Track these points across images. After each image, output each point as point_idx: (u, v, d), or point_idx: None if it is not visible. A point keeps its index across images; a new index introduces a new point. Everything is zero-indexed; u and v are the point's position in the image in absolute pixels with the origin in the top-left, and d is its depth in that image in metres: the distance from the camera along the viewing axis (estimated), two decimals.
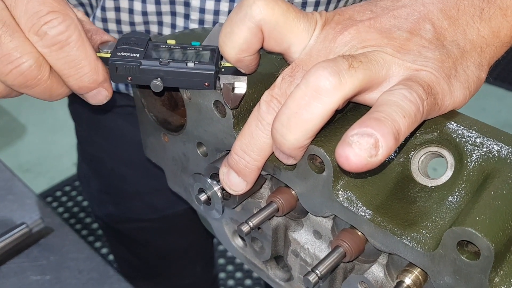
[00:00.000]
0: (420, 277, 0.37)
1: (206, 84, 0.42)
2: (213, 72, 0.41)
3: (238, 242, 0.52)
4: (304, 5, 0.63)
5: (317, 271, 0.37)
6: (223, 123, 0.44)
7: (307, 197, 0.40)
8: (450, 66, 0.38)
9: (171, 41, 0.44)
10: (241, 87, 0.41)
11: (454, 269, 0.33)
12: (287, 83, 0.38)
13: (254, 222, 0.42)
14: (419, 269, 0.36)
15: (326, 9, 0.65)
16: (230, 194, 0.44)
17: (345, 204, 0.37)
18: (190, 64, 0.42)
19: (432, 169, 0.39)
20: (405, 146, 0.40)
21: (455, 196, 0.37)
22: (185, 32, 0.52)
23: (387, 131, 0.31)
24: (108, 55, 0.43)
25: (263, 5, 0.37)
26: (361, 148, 0.31)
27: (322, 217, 0.43)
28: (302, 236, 0.45)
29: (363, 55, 0.36)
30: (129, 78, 0.42)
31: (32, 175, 2.29)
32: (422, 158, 0.40)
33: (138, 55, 0.42)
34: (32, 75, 0.39)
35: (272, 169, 0.42)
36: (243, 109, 0.43)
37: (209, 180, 0.44)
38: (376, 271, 0.40)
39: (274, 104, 0.38)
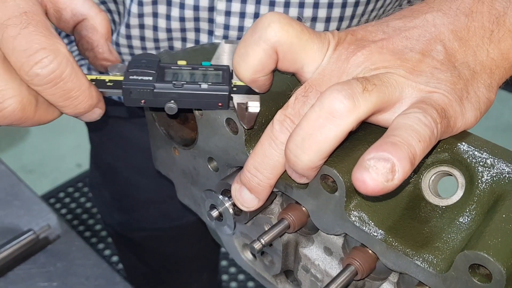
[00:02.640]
0: None
1: (220, 104, 0.42)
2: (227, 93, 0.42)
3: (248, 255, 0.53)
4: (314, 19, 0.63)
5: None
6: (235, 140, 0.44)
7: (319, 215, 0.41)
8: (461, 88, 0.38)
9: (181, 62, 0.44)
10: (254, 106, 0.42)
11: None
12: (300, 103, 0.38)
13: (266, 239, 0.42)
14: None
15: (338, 27, 0.65)
16: (241, 210, 0.44)
17: (357, 224, 0.38)
18: (204, 86, 0.42)
19: (443, 189, 0.40)
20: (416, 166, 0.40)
21: (466, 217, 0.37)
22: (194, 48, 0.52)
23: (403, 155, 0.32)
24: (119, 78, 0.42)
25: (278, 28, 0.37)
26: (378, 172, 0.32)
27: (334, 235, 0.43)
28: (313, 252, 0.46)
29: (377, 78, 0.36)
30: (143, 101, 0.42)
31: (35, 176, 2.29)
32: (433, 177, 0.40)
33: (151, 78, 0.41)
34: (16, 118, 0.38)
35: (283, 187, 0.42)
36: (255, 126, 0.43)
37: (220, 196, 0.45)
38: None
39: (288, 123, 0.38)
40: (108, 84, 0.42)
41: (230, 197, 0.44)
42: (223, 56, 0.47)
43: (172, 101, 0.42)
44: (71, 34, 0.46)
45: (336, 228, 0.40)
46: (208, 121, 0.46)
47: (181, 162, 0.53)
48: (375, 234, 0.37)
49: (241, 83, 0.43)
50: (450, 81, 0.37)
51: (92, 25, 0.45)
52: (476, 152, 0.38)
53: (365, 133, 0.41)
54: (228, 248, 0.55)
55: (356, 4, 0.64)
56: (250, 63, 0.38)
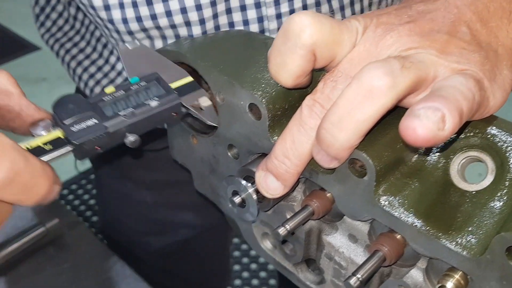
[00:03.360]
0: (461, 281, 0.36)
1: (175, 114, 0.39)
2: (179, 100, 0.39)
3: (267, 244, 0.52)
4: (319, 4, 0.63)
5: (358, 275, 0.37)
6: (258, 126, 0.44)
7: (346, 201, 0.40)
8: (489, 68, 0.38)
9: (110, 90, 0.40)
10: (205, 100, 0.40)
11: (502, 274, 0.33)
12: (329, 87, 0.38)
13: (291, 225, 0.41)
14: (460, 273, 0.36)
15: (352, 12, 0.65)
16: (264, 197, 0.43)
17: (387, 209, 0.37)
18: (154, 103, 0.39)
19: (470, 174, 0.39)
20: (445, 151, 0.40)
21: (498, 202, 0.37)
22: (215, 34, 0.51)
23: (453, 107, 0.32)
24: (54, 136, 0.36)
25: (312, 30, 0.36)
26: (429, 120, 0.31)
27: (360, 221, 0.43)
28: (337, 240, 0.45)
29: (411, 57, 0.36)
30: (98, 148, 0.37)
31: None
32: (462, 162, 0.39)
33: (96, 121, 0.37)
34: None
35: (308, 173, 0.41)
36: (278, 112, 0.43)
37: (244, 182, 0.44)
38: (415, 275, 0.40)
39: (317, 108, 0.38)
40: (47, 147, 0.36)
41: (253, 183, 0.44)
42: (135, 62, 0.44)
43: (128, 133, 0.38)
44: None
45: (364, 214, 0.39)
46: (230, 107, 0.45)
47: (199, 150, 0.52)
48: (406, 218, 0.36)
49: (178, 85, 0.41)
50: (479, 62, 0.37)
51: (4, 90, 0.38)
52: (507, 136, 0.38)
53: (394, 118, 0.40)
54: (247, 238, 0.54)
55: None
56: (290, 71, 0.38)
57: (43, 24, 0.80)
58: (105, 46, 0.75)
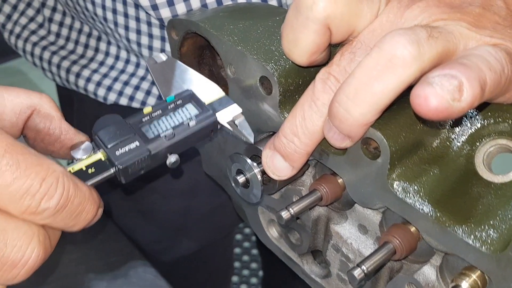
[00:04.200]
0: (479, 282, 0.33)
1: (212, 131, 0.40)
2: (216, 118, 0.39)
3: (273, 232, 0.49)
4: None
5: (363, 266, 0.34)
6: (268, 102, 0.41)
7: (357, 186, 0.37)
8: None
9: (148, 110, 0.39)
10: (240, 118, 0.40)
11: None
12: (346, 60, 0.35)
13: (295, 209, 0.38)
14: (478, 272, 0.32)
15: None
16: (270, 178, 0.40)
17: (400, 196, 0.34)
18: (192, 123, 0.38)
19: (503, 164, 0.35)
20: (470, 137, 0.36)
21: None
22: (231, 6, 0.49)
23: (473, 76, 0.28)
24: (95, 159, 0.36)
25: (325, 2, 0.33)
26: (443, 88, 0.28)
27: (371, 209, 0.39)
28: (346, 230, 0.42)
29: (440, 27, 0.32)
30: (142, 170, 0.37)
31: None
32: (489, 151, 0.36)
33: (138, 144, 0.37)
34: (40, 262, 0.32)
35: (318, 154, 0.38)
36: (291, 87, 0.40)
37: (249, 161, 0.41)
38: (428, 272, 0.36)
39: (331, 82, 0.34)
40: (90, 172, 0.36)
41: (259, 163, 0.41)
42: (165, 76, 0.43)
43: (170, 154, 0.38)
44: (19, 136, 0.38)
45: (375, 201, 0.36)
46: (240, 81, 0.42)
47: None
48: (420, 207, 0.33)
49: (211, 100, 0.41)
50: None
51: (45, 113, 0.38)
52: None
53: None
54: (253, 224, 0.51)
55: None
56: (303, 48, 0.35)
57: (12, 32, 0.76)
58: (99, 39, 0.72)
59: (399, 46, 0.30)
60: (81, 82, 0.71)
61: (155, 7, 0.57)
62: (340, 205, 0.42)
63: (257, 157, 0.42)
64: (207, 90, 0.42)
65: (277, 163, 0.39)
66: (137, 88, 0.69)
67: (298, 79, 0.40)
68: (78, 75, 0.72)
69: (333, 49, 0.38)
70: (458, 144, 0.36)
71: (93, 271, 0.80)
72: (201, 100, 0.40)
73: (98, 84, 0.70)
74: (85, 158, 0.36)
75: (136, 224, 0.84)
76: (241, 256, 1.89)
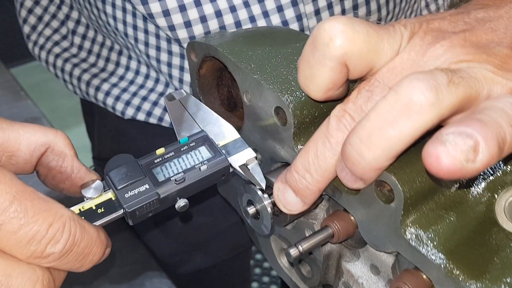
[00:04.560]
0: None
1: (223, 176, 0.39)
2: (228, 163, 0.39)
3: (285, 261, 0.48)
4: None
5: None
6: (282, 132, 0.40)
7: (369, 228, 0.35)
8: None
9: (161, 151, 0.39)
10: (253, 163, 0.40)
11: None
12: (363, 98, 0.33)
13: (304, 246, 0.37)
14: None
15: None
16: (281, 211, 0.39)
17: (413, 243, 0.32)
18: (204, 167, 0.38)
19: None
20: (491, 183, 0.34)
21: None
22: (250, 30, 0.48)
23: (491, 135, 0.27)
24: (104, 198, 0.36)
25: (343, 39, 0.32)
26: (456, 148, 0.26)
27: (383, 252, 0.38)
28: (357, 269, 0.40)
29: (462, 71, 0.30)
30: (150, 213, 0.37)
31: None
32: (511, 199, 0.34)
33: (148, 186, 0.37)
34: None
35: (331, 190, 0.37)
36: (306, 119, 0.39)
37: (259, 193, 0.40)
38: None
39: (346, 120, 0.33)
40: (100, 211, 0.36)
41: (270, 194, 0.40)
42: (177, 111, 0.43)
43: (179, 198, 0.38)
44: (31, 172, 0.39)
45: (388, 245, 0.34)
46: (256, 108, 0.41)
47: None
48: (433, 257, 0.31)
49: (226, 142, 0.41)
50: None
51: (59, 151, 0.38)
52: None
53: None
54: (265, 251, 0.50)
55: None
56: (319, 84, 0.34)
57: (36, 43, 0.77)
58: (120, 53, 0.73)
59: (416, 92, 0.28)
60: (101, 96, 0.72)
61: (172, 27, 0.57)
62: (353, 242, 0.40)
63: (268, 188, 0.41)
64: (223, 130, 0.42)
65: (288, 197, 0.38)
66: (155, 104, 0.68)
67: (315, 111, 0.39)
68: (97, 89, 0.72)
69: (351, 84, 0.37)
70: (478, 190, 0.34)
71: (108, 279, 0.80)
72: (215, 143, 0.40)
73: (117, 98, 0.70)
74: (95, 197, 0.36)
75: (153, 235, 0.84)
76: (261, 276, 1.88)
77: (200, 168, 0.38)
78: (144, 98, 0.69)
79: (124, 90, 0.70)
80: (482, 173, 0.35)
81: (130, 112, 0.69)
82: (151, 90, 0.69)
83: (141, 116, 0.69)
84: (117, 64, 0.73)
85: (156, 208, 0.37)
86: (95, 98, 0.73)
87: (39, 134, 0.38)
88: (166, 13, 0.55)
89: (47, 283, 0.33)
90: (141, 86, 0.70)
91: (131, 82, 0.71)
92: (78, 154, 0.40)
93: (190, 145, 0.40)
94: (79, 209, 0.36)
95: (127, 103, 0.69)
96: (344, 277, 0.42)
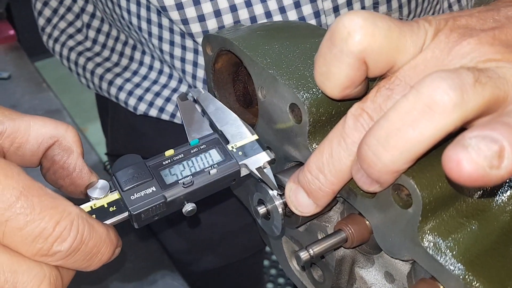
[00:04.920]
0: None
1: (233, 180, 0.38)
2: (239, 167, 0.38)
3: (296, 264, 0.46)
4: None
5: None
6: (297, 130, 0.38)
7: (384, 233, 0.34)
8: None
9: (170, 153, 0.38)
10: (267, 166, 0.39)
11: None
12: (383, 96, 0.31)
13: (316, 250, 0.36)
14: None
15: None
16: (293, 212, 0.38)
17: (430, 252, 0.30)
18: (213, 171, 0.37)
19: None
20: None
21: None
22: (267, 24, 0.46)
23: None
24: (113, 198, 0.35)
25: (362, 35, 0.30)
26: (479, 154, 0.24)
27: (399, 260, 0.36)
28: (371, 276, 0.39)
29: (490, 70, 0.28)
30: (156, 217, 0.36)
31: None
32: None
33: (154, 189, 0.35)
34: None
35: (346, 193, 0.35)
36: (322, 117, 0.37)
37: (271, 192, 0.39)
38: None
39: (364, 119, 0.31)
40: (112, 210, 0.35)
41: (282, 194, 0.38)
42: (189, 112, 0.42)
43: (186, 202, 0.36)
44: (37, 166, 0.38)
45: (403, 252, 0.32)
46: (271, 105, 0.40)
47: None
48: (452, 267, 0.29)
49: (242, 143, 0.39)
50: None
51: (66, 146, 0.37)
52: None
53: None
54: (276, 253, 0.48)
55: None
56: (336, 81, 0.32)
57: (51, 36, 0.77)
58: (134, 48, 0.72)
59: (439, 91, 0.26)
60: (113, 90, 0.71)
61: (185, 21, 0.55)
62: (368, 248, 0.38)
63: (281, 188, 0.39)
64: (241, 131, 0.41)
65: (300, 198, 0.36)
66: (168, 100, 0.67)
67: (331, 109, 0.37)
68: (110, 83, 0.71)
69: (371, 82, 0.35)
70: (503, 198, 0.32)
71: (121, 274, 0.80)
72: (226, 146, 0.39)
73: (130, 93, 0.69)
74: (101, 197, 0.35)
75: (166, 233, 0.83)
76: (276, 278, 1.86)
77: (209, 172, 0.37)
78: (157, 94, 0.68)
79: (137, 85, 0.70)
80: (508, 180, 0.33)
81: (142, 107, 0.69)
82: (164, 86, 0.68)
83: (153, 112, 0.68)
84: (131, 58, 0.72)
85: (162, 211, 0.36)
86: (108, 92, 0.72)
87: (49, 127, 0.37)
88: (180, 6, 0.54)
89: (54, 280, 0.32)
90: (154, 82, 0.69)
91: (144, 77, 0.70)
92: (97, 149, 0.40)
93: (201, 147, 0.39)
94: (91, 207, 0.35)
95: (140, 99, 0.69)
96: (356, 283, 0.40)
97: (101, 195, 0.35)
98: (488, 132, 0.25)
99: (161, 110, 0.68)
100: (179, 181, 0.36)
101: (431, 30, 0.32)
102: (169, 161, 0.37)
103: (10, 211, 0.29)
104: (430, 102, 0.27)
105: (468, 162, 0.24)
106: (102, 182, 0.36)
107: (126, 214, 0.35)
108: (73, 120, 1.06)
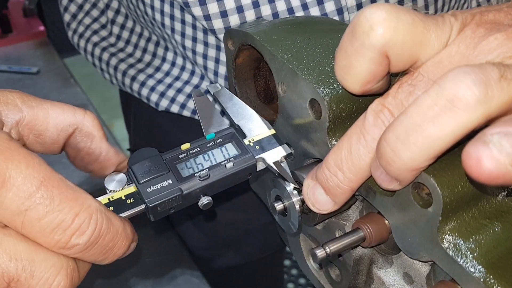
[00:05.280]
0: None
1: (249, 174, 0.37)
2: (255, 161, 0.37)
3: (314, 263, 0.46)
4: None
5: None
6: (316, 126, 0.37)
7: (403, 233, 0.33)
8: None
9: (186, 146, 0.38)
10: (284, 161, 0.38)
11: None
12: (405, 92, 0.31)
13: (332, 248, 0.35)
14: None
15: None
16: (310, 209, 0.37)
17: (450, 253, 0.29)
18: (229, 165, 0.37)
19: None
20: None
21: None
22: (289, 19, 0.46)
23: None
24: (123, 192, 0.35)
25: (385, 28, 0.29)
26: (501, 150, 0.23)
27: (418, 260, 0.35)
28: (389, 276, 0.38)
29: None
30: (172, 210, 0.36)
31: None
32: None
33: (171, 182, 0.35)
34: None
35: (365, 190, 0.35)
36: (343, 113, 0.36)
37: (288, 188, 0.38)
38: None
39: (385, 115, 0.31)
40: (129, 202, 0.35)
41: (300, 191, 0.38)
42: (205, 109, 0.42)
43: (203, 195, 0.36)
44: (59, 153, 0.38)
45: (422, 253, 0.32)
46: (290, 100, 0.39)
47: None
48: (472, 269, 0.28)
49: (260, 138, 0.39)
50: None
51: (87, 132, 0.38)
52: None
53: None
54: (294, 251, 0.48)
55: None
56: (357, 76, 0.31)
57: (76, 31, 0.77)
58: (157, 44, 0.72)
59: (462, 86, 0.25)
60: (136, 86, 0.71)
61: (207, 17, 0.55)
62: (387, 248, 0.37)
63: (299, 184, 0.39)
64: (258, 125, 0.41)
65: (318, 195, 0.35)
66: (189, 96, 0.68)
67: (352, 106, 0.36)
68: (133, 79, 0.72)
69: (393, 78, 0.34)
70: None
71: (141, 267, 0.80)
72: (242, 140, 0.39)
73: (152, 89, 0.70)
74: (118, 190, 0.35)
75: (186, 228, 0.84)
76: (297, 278, 1.85)
77: (225, 165, 0.37)
78: (179, 90, 0.68)
79: (160, 81, 0.70)
80: None
81: (164, 103, 0.69)
82: (186, 82, 0.68)
83: (174, 108, 0.68)
84: (154, 55, 0.72)
85: (179, 204, 0.36)
86: (131, 88, 0.73)
87: (67, 114, 0.37)
88: (202, 2, 0.54)
89: (71, 271, 0.32)
90: (177, 78, 0.69)
91: (167, 74, 0.70)
92: (123, 145, 0.40)
93: (217, 141, 0.39)
94: (108, 199, 0.36)
95: (162, 95, 0.69)
96: (374, 284, 0.39)
97: (118, 187, 0.36)
98: (510, 128, 0.24)
99: (183, 106, 0.68)
100: (195, 174, 0.36)
101: (457, 25, 0.32)
102: (185, 154, 0.37)
103: (30, 201, 0.29)
104: (453, 97, 0.26)
105: (489, 159, 0.23)
106: (120, 175, 0.36)
107: (142, 206, 0.35)
108: (99, 115, 1.08)
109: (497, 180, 0.23)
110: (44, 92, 1.14)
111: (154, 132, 0.78)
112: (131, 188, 0.36)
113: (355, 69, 0.31)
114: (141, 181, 0.35)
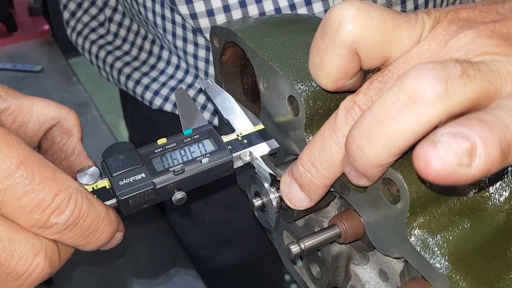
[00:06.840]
0: None
1: (226, 171, 0.38)
2: (232, 157, 0.37)
3: (297, 260, 0.46)
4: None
5: None
6: (295, 123, 0.38)
7: (375, 229, 0.33)
8: None
9: (162, 141, 0.38)
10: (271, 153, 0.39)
11: None
12: (375, 89, 0.31)
13: (307, 244, 0.35)
14: None
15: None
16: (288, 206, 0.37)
17: (417, 248, 0.29)
18: (205, 160, 0.37)
19: None
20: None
21: None
22: (276, 17, 0.46)
23: (492, 138, 0.23)
24: (93, 185, 0.35)
25: (353, 24, 0.29)
26: (448, 151, 0.23)
27: (390, 257, 0.35)
28: (365, 273, 0.38)
29: (483, 63, 0.27)
30: (145, 204, 0.36)
31: None
32: None
33: (144, 175, 0.35)
34: (45, 275, 0.32)
35: (339, 187, 0.35)
36: (320, 110, 0.37)
37: (266, 185, 0.38)
38: None
39: (355, 112, 0.31)
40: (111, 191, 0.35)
41: (278, 188, 0.38)
42: (186, 105, 0.42)
43: (177, 190, 0.36)
44: (35, 147, 0.38)
45: (393, 248, 0.32)
46: (270, 97, 0.40)
47: None
48: (438, 266, 0.29)
49: (247, 132, 0.40)
50: None
51: (67, 129, 0.38)
52: None
53: None
54: (278, 248, 0.48)
55: None
56: (328, 72, 0.32)
57: (74, 29, 0.78)
58: (153, 42, 0.72)
59: (423, 82, 0.25)
60: (131, 84, 0.72)
61: (194, 16, 0.56)
62: (363, 245, 0.38)
63: (277, 181, 0.39)
64: (247, 120, 0.42)
65: (294, 192, 0.36)
66: None
67: (329, 103, 0.37)
68: (128, 77, 0.73)
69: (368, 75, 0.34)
70: (501, 198, 0.31)
71: (137, 263, 0.81)
72: (221, 138, 0.39)
73: (146, 87, 0.70)
74: (90, 184, 0.36)
75: (183, 226, 0.84)
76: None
77: (201, 161, 0.37)
78: (173, 89, 0.69)
79: (154, 79, 0.70)
80: (507, 180, 0.32)
81: (157, 102, 0.69)
82: (180, 81, 0.69)
83: (168, 107, 0.69)
84: (150, 53, 0.73)
85: (151, 198, 0.36)
86: (126, 86, 0.73)
87: (52, 108, 0.37)
88: (189, 1, 0.55)
89: (51, 253, 0.32)
90: (171, 77, 0.70)
91: (162, 72, 0.71)
92: None
93: (194, 137, 0.39)
94: (93, 187, 0.36)
95: (156, 93, 0.69)
96: (352, 281, 0.39)
97: (90, 181, 0.36)
98: (461, 128, 0.23)
99: (176, 105, 0.69)
100: (169, 169, 0.36)
101: (429, 22, 0.32)
102: (161, 149, 0.38)
103: (9, 180, 0.29)
104: (414, 94, 0.26)
105: (436, 159, 0.23)
106: (92, 168, 0.36)
107: (107, 203, 0.35)
108: (100, 113, 1.08)
109: (445, 180, 0.23)
110: (47, 90, 1.15)
111: (149, 129, 0.79)
112: (104, 182, 0.36)
113: (326, 65, 0.31)
114: (114, 174, 0.35)
